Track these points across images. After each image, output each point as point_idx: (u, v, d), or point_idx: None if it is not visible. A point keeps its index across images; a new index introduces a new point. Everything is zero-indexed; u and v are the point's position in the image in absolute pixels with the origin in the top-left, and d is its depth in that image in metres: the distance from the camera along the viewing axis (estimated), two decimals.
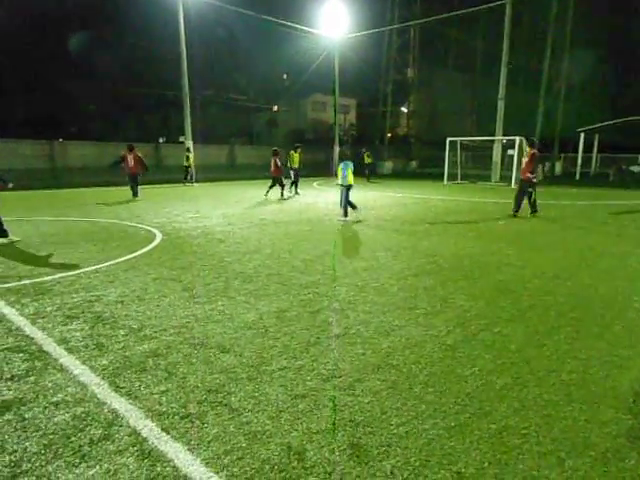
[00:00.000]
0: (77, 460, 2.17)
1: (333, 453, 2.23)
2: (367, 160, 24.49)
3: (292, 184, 16.63)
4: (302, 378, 2.97)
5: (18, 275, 5.38)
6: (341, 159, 10.35)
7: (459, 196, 17.05)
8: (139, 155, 14.91)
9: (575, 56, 31.47)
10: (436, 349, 3.42)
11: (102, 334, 3.64)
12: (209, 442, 2.32)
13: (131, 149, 14.81)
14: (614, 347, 3.47)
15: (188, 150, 22.66)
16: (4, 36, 26.37)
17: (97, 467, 2.12)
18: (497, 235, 8.62)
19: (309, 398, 2.73)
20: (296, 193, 16.56)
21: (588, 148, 28.98)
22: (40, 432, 2.38)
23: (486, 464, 2.16)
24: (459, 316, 4.13)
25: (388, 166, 36.67)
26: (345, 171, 9.89)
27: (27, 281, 5.13)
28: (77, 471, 2.09)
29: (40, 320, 3.93)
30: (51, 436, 2.35)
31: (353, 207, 10.15)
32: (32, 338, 3.55)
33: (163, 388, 2.83)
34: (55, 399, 2.69)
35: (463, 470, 2.12)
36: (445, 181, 24.16)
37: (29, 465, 2.13)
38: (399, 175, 33.02)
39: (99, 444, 2.28)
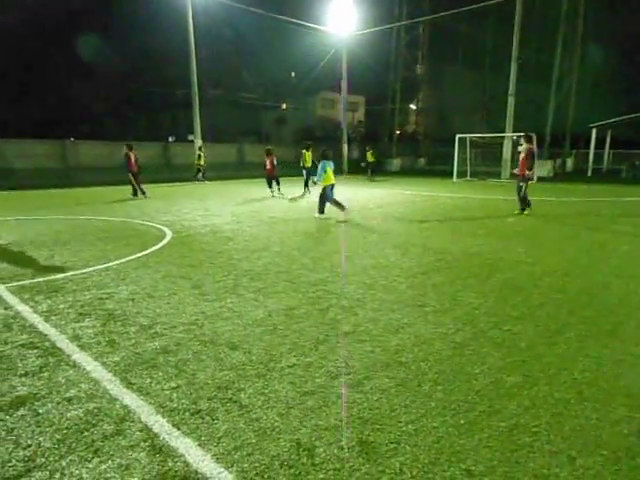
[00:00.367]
0: (90, 455, 2.20)
1: (342, 450, 2.24)
2: (370, 158, 24.05)
3: (306, 183, 16.36)
4: (311, 375, 2.98)
5: (31, 273, 5.47)
6: (323, 158, 10.27)
7: (468, 193, 16.94)
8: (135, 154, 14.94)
9: (587, 50, 31.04)
10: (445, 347, 3.41)
11: (114, 331, 3.69)
12: (219, 438, 2.34)
13: (131, 148, 14.82)
14: (626, 345, 3.43)
15: (200, 149, 22.80)
16: (17, 39, 26.74)
17: (109, 462, 2.15)
18: (507, 232, 8.55)
19: (318, 395, 2.74)
20: (306, 191, 16.44)
21: (600, 144, 28.60)
22: (54, 427, 2.42)
23: (496, 462, 2.15)
24: (468, 314, 4.11)
25: (396, 163, 36.52)
26: (324, 170, 9.92)
27: (40, 279, 5.21)
28: (90, 466, 2.13)
29: (53, 317, 3.99)
30: (64, 431, 2.38)
31: (341, 207, 10.09)
32: (45, 335, 3.61)
33: (174, 384, 2.86)
34: (68, 395, 2.73)
35: (473, 468, 2.12)
36: (454, 178, 24.01)
37: (43, 459, 2.17)
38: (407, 172, 32.86)
39: (111, 439, 2.32)
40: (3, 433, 2.36)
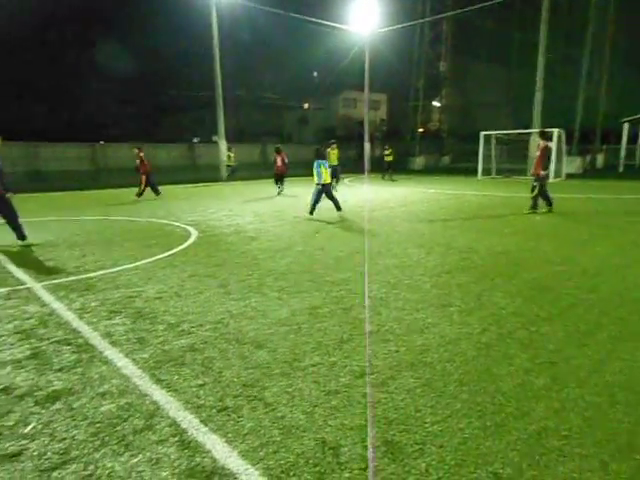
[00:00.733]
0: (122, 449, 2.27)
1: (367, 449, 2.24)
2: (389, 157, 23.21)
3: (331, 179, 16.25)
4: (335, 374, 2.99)
5: (65, 271, 5.67)
6: (317, 157, 10.24)
7: (493, 191, 16.62)
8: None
9: (617, 43, 29.96)
10: (471, 347, 3.37)
11: (143, 329, 3.79)
12: (245, 435, 2.38)
13: (140, 150, 14.93)
14: None
15: (229, 149, 23.13)
16: (50, 47, 27.73)
17: (140, 456, 2.22)
18: (534, 231, 8.36)
19: (342, 394, 2.75)
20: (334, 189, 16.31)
21: (632, 139, 27.56)
22: (87, 421, 2.51)
23: (524, 465, 2.12)
24: (494, 314, 4.04)
25: (419, 162, 36.13)
26: (319, 169, 9.88)
27: (73, 277, 5.40)
28: (122, 459, 2.20)
29: (86, 315, 4.13)
30: (98, 425, 2.47)
31: (338, 208, 10.12)
32: (79, 332, 3.74)
33: (200, 382, 2.92)
34: (101, 390, 2.82)
35: (500, 471, 2.09)
36: (479, 176, 23.60)
37: (77, 452, 2.25)
38: (431, 171, 32.47)
39: (142, 434, 2.39)
40: (40, 426, 2.46)
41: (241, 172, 25.95)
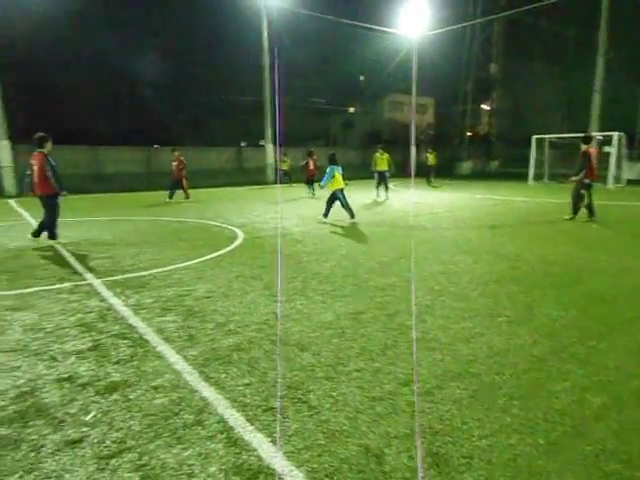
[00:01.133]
0: (174, 441, 2.37)
1: (412, 460, 2.22)
2: (432, 161, 22.32)
3: (378, 185, 15.63)
4: (379, 381, 2.98)
5: (122, 269, 5.99)
6: (330, 163, 10.12)
7: (546, 197, 15.91)
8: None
9: None
10: (521, 360, 3.24)
11: (192, 326, 3.94)
12: (290, 436, 2.41)
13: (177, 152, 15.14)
14: None
15: (285, 154, 23.51)
16: (105, 57, 29.52)
17: (191, 450, 2.31)
18: (589, 240, 7.93)
19: (386, 401, 2.73)
20: (378, 196, 15.66)
21: None
22: (142, 412, 2.64)
23: None
24: (547, 326, 3.87)
25: (467, 166, 35.22)
26: (332, 174, 9.86)
27: (129, 274, 5.70)
28: (174, 451, 2.29)
29: (141, 311, 4.34)
30: (152, 417, 2.59)
31: (351, 214, 10.04)
32: (134, 327, 3.94)
33: (247, 381, 2.99)
34: (154, 383, 2.96)
35: None
36: (530, 181, 22.67)
37: (133, 442, 2.37)
38: (478, 176, 31.55)
39: (192, 428, 2.48)
40: (99, 415, 2.61)
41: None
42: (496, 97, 42.54)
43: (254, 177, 25.37)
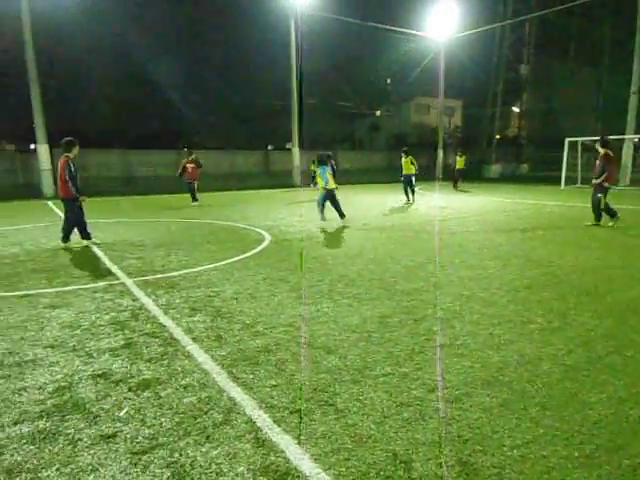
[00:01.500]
0: (203, 440, 2.41)
1: (441, 468, 2.18)
2: (460, 165, 21.56)
3: (405, 189, 15.42)
4: (406, 386, 2.95)
5: (153, 270, 6.14)
6: (321, 163, 10.01)
7: (579, 202, 15.40)
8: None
9: None
10: (554, 369, 3.15)
11: (220, 327, 4.00)
12: (317, 439, 2.42)
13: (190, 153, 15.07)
14: None
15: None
16: (138, 65, 30.41)
17: (219, 449, 2.34)
18: (625, 246, 7.64)
19: (414, 407, 2.71)
20: (408, 200, 15.43)
21: None
22: (173, 410, 2.69)
23: None
24: (581, 335, 3.75)
25: (495, 170, 34.50)
26: (325, 175, 9.87)
27: (159, 275, 5.84)
28: (203, 450, 2.33)
29: (171, 311, 4.44)
30: (181, 415, 2.64)
31: (322, 216, 10.15)
32: (165, 326, 4.03)
33: (274, 382, 3.01)
34: (184, 382, 3.02)
35: None
36: (562, 185, 22.01)
37: (164, 439, 2.43)
38: (507, 179, 30.85)
39: (221, 428, 2.52)
40: (132, 411, 2.69)
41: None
42: (526, 99, 41.56)
43: (281, 180, 25.59)
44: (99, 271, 6.10)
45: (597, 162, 9.48)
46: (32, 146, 22.15)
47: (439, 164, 31.09)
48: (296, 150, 24.91)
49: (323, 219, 10.47)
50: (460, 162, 21.80)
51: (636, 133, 21.51)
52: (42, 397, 2.84)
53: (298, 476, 2.14)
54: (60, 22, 23.58)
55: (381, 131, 46.51)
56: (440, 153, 30.92)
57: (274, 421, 2.57)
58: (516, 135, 42.90)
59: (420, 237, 8.73)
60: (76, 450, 2.33)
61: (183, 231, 9.66)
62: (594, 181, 9.34)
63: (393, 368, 3.20)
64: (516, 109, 42.60)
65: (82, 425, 2.55)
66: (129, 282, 5.50)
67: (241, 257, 6.88)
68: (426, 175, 28.49)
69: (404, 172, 15.28)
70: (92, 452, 2.31)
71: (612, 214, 9.49)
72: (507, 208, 13.69)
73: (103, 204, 16.03)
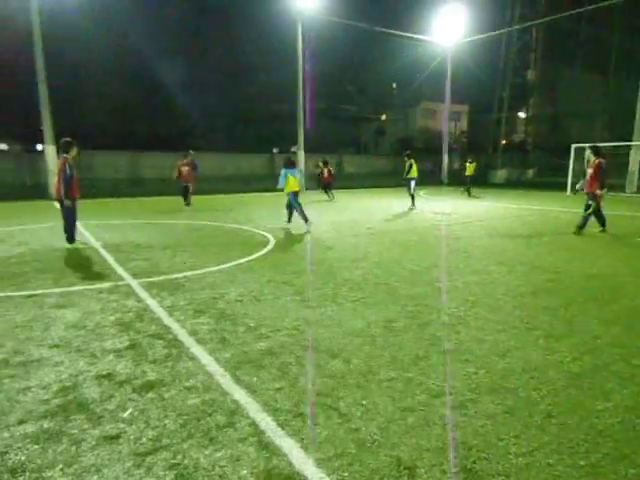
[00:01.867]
0: (206, 442, 2.41)
1: (445, 474, 2.17)
2: (470, 171, 20.87)
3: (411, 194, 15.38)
4: (411, 391, 2.94)
5: (158, 271, 6.16)
6: (285, 166, 9.99)
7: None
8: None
9: None
10: (560, 377, 3.13)
11: (225, 329, 4.00)
12: (320, 443, 2.41)
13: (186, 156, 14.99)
14: None
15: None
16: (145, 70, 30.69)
17: (223, 451, 2.34)
18: (632, 254, 7.58)
19: (418, 413, 2.69)
20: (413, 204, 15.24)
21: None
22: (176, 412, 2.69)
23: None
24: (587, 342, 3.72)
25: (501, 175, 34.37)
26: (285, 177, 9.87)
27: (165, 276, 5.85)
28: (206, 452, 2.33)
29: (175, 312, 4.45)
30: (185, 417, 2.64)
31: (289, 219, 10.18)
32: (169, 328, 4.04)
33: (277, 385, 3.01)
34: (188, 384, 3.02)
35: None
36: (568, 191, 21.88)
37: (168, 440, 2.43)
38: (513, 185, 30.73)
39: (224, 430, 2.51)
40: (136, 412, 2.69)
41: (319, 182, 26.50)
42: (533, 104, 41.50)
43: None
44: (104, 272, 6.13)
45: (589, 170, 9.36)
46: (39, 147, 22.33)
47: (444, 169, 31.07)
48: (301, 153, 24.93)
49: (306, 221, 9.97)
50: (470, 168, 21.50)
51: None
52: (47, 397, 2.85)
53: None
54: (68, 24, 23.79)
55: (387, 135, 46.55)
56: (445, 158, 30.89)
57: (278, 424, 2.57)
58: (522, 140, 42.81)
59: (425, 242, 8.71)
60: (80, 450, 2.34)
61: (189, 233, 9.69)
62: (598, 192, 9.21)
63: (397, 373, 3.19)
64: (522, 114, 42.52)
65: (86, 425, 2.55)
66: (134, 283, 5.51)
67: (246, 259, 6.88)
68: (430, 179, 28.50)
69: (409, 175, 15.28)
70: (96, 453, 2.32)
71: (584, 224, 9.37)
72: (512, 213, 13.63)
73: (110, 205, 16.13)
